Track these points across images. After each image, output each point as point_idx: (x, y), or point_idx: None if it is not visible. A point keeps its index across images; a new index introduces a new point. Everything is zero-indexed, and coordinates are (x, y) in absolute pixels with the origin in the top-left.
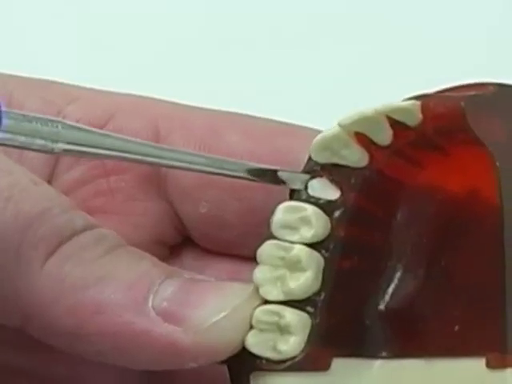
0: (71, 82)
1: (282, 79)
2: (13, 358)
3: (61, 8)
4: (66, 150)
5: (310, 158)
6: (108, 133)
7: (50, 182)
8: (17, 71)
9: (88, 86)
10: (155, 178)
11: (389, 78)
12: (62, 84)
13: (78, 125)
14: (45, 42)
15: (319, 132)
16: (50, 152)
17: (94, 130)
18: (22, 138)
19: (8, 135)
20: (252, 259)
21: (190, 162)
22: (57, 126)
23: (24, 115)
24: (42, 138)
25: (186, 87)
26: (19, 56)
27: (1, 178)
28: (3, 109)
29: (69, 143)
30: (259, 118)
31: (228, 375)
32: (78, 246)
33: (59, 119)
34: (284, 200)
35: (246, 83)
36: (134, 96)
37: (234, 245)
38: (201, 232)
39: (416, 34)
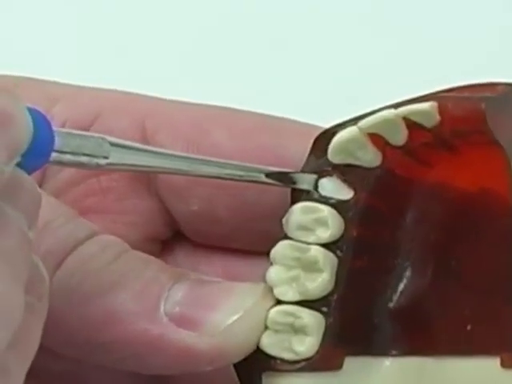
0: (58, 79)
1: (279, 78)
2: None
3: (57, 7)
4: (109, 165)
5: (317, 157)
6: (148, 148)
7: (41, 184)
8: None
9: (79, 82)
10: (145, 177)
11: (389, 75)
12: (44, 82)
13: (120, 140)
14: (41, 41)
15: (306, 126)
16: (94, 168)
17: (134, 144)
18: (69, 156)
19: (57, 154)
20: (245, 252)
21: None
22: (100, 142)
23: (69, 133)
24: (86, 154)
25: (181, 84)
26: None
27: None
28: (54, 128)
29: (111, 158)
30: (245, 112)
31: (236, 375)
32: (83, 256)
33: (101, 135)
34: (285, 197)
35: (242, 81)
36: (118, 92)
37: (227, 239)
38: (193, 228)
39: (416, 33)
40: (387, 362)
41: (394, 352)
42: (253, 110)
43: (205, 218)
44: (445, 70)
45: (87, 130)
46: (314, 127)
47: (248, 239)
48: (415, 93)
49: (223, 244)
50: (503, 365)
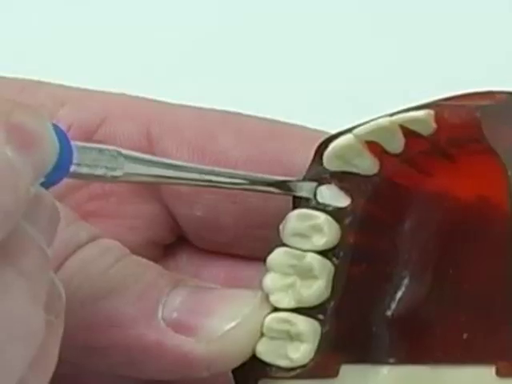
0: (64, 82)
1: (283, 81)
2: None
3: (64, 10)
4: (123, 176)
5: (316, 164)
6: (161, 160)
7: None
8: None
9: (83, 85)
10: None
11: (392, 78)
12: (49, 85)
13: (133, 153)
14: (47, 44)
15: (311, 132)
16: (109, 180)
17: (147, 157)
18: (85, 169)
19: (75, 167)
20: (248, 258)
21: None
22: (114, 155)
23: (85, 146)
24: (101, 166)
25: (184, 87)
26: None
27: None
28: (72, 143)
29: (126, 170)
30: (252, 118)
31: (233, 381)
32: (83, 259)
33: (116, 148)
34: (288, 205)
35: (246, 85)
36: (124, 96)
37: (230, 246)
38: (196, 234)
39: (419, 35)
40: (384, 371)
41: (391, 360)
42: (256, 113)
43: (208, 224)
44: (446, 70)
45: (93, 133)
46: (321, 134)
47: (251, 246)
48: (418, 96)
49: (226, 250)
50: (498, 373)
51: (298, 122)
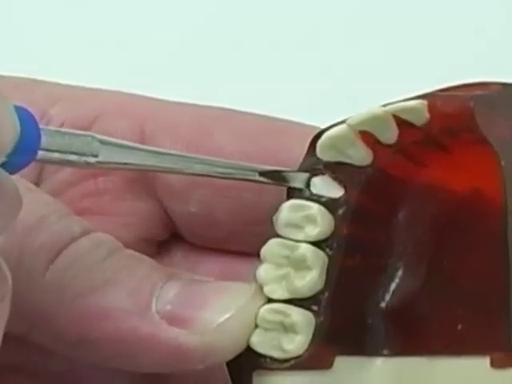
0: (61, 80)
1: (279, 78)
2: (10, 355)
3: (58, 7)
4: (98, 163)
5: (310, 156)
6: (138, 146)
7: (37, 184)
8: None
9: (79, 83)
10: (143, 178)
11: (389, 75)
12: (44, 83)
13: (110, 139)
14: (42, 41)
15: (308, 128)
16: (84, 166)
17: (124, 142)
18: (57, 154)
19: (44, 152)
20: (243, 254)
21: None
22: (89, 141)
23: (57, 131)
24: (74, 152)
25: (180, 85)
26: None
27: None
28: (41, 126)
29: (101, 156)
30: (248, 114)
31: (228, 373)
32: (77, 252)
33: (91, 134)
34: (282, 198)
35: (243, 82)
36: (119, 94)
37: (225, 242)
38: (191, 230)
39: (416, 32)
40: (379, 362)
41: (385, 352)
42: (253, 110)
43: (203, 220)
44: (447, 70)
45: (86, 130)
46: (318, 129)
47: (246, 241)
48: (415, 93)
49: (221, 246)
50: (493, 365)
51: (295, 118)
